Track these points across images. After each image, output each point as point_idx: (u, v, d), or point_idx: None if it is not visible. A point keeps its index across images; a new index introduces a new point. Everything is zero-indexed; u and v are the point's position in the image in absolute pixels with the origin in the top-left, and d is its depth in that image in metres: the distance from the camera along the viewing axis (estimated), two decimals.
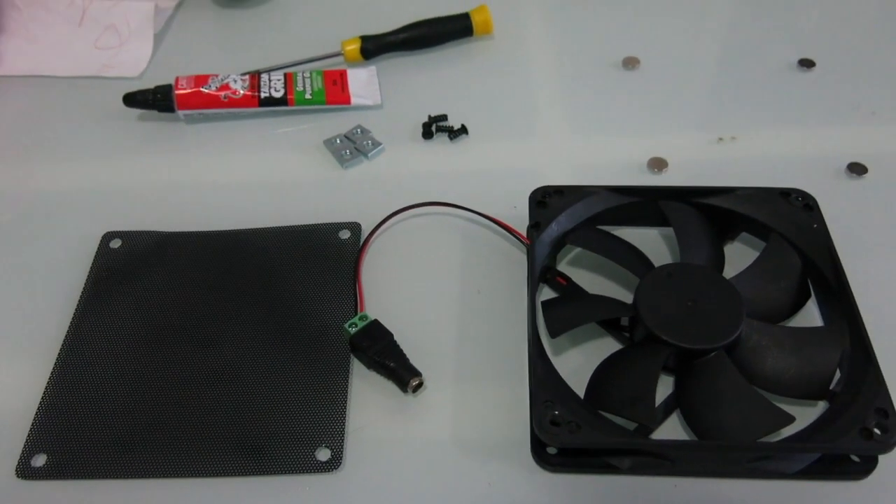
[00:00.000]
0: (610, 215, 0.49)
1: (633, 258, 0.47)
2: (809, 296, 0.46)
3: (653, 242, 0.50)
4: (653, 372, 0.41)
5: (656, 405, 0.41)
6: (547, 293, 0.48)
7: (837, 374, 0.42)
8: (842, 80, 0.62)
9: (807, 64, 0.64)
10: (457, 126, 0.59)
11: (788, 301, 0.45)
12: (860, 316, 0.42)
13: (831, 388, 0.41)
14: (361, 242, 0.51)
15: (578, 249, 0.50)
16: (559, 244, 0.48)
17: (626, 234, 0.50)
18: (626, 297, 0.45)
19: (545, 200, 0.48)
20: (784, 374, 0.41)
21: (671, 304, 0.42)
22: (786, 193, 0.48)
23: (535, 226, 0.47)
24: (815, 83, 0.62)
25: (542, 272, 0.47)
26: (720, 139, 0.58)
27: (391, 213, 0.52)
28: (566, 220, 0.48)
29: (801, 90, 0.62)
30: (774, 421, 0.39)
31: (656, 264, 0.46)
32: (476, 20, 0.66)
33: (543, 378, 0.40)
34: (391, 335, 0.45)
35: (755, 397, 0.40)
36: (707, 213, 0.48)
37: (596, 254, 0.48)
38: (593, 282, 0.49)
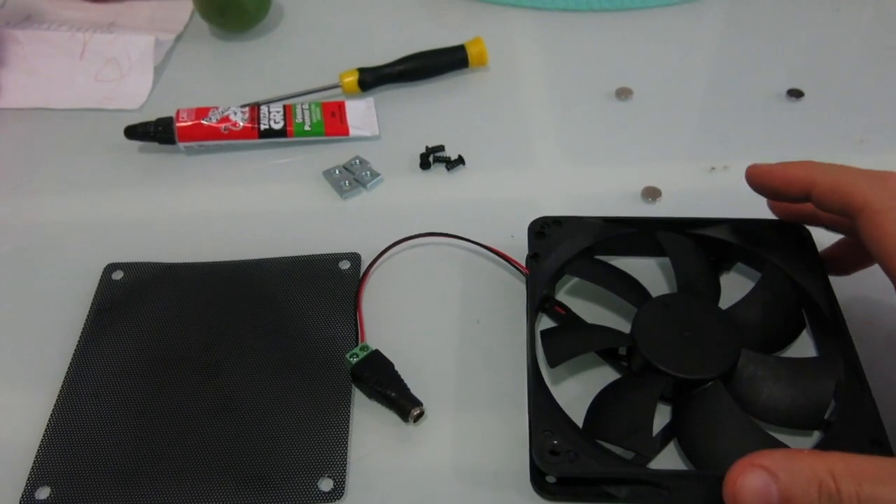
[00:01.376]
0: (608, 245, 0.50)
1: (629, 288, 0.47)
2: (804, 326, 0.47)
3: (650, 272, 0.51)
4: (650, 402, 0.41)
5: (654, 434, 0.41)
6: (546, 322, 0.49)
7: (832, 404, 0.42)
8: (830, 109, 0.64)
9: (795, 94, 0.65)
10: (454, 156, 0.60)
11: (784, 331, 0.46)
12: (854, 346, 0.43)
13: (825, 417, 0.42)
14: (362, 273, 0.52)
15: (577, 279, 0.50)
16: (558, 274, 0.48)
17: (623, 263, 0.50)
18: (624, 325, 0.46)
19: (544, 231, 0.49)
20: (779, 404, 0.42)
21: (668, 334, 0.43)
22: (779, 225, 0.49)
23: (534, 256, 0.48)
24: (805, 113, 0.64)
25: (540, 301, 0.48)
26: (712, 168, 0.59)
27: (391, 243, 0.53)
28: (564, 251, 0.48)
29: (790, 120, 0.63)
30: None
31: (654, 293, 0.46)
32: (472, 52, 0.67)
33: (542, 407, 0.41)
34: (392, 365, 0.46)
35: (750, 427, 0.41)
36: (702, 243, 0.49)
37: (594, 284, 0.48)
38: (591, 311, 0.49)
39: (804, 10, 0.74)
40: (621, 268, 0.49)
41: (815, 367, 0.43)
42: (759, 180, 0.45)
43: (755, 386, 0.42)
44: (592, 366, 0.47)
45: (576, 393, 0.45)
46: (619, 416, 0.41)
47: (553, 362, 0.43)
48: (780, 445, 0.40)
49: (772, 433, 0.41)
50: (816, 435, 0.43)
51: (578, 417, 0.42)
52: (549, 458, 0.38)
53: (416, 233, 0.53)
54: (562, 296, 0.51)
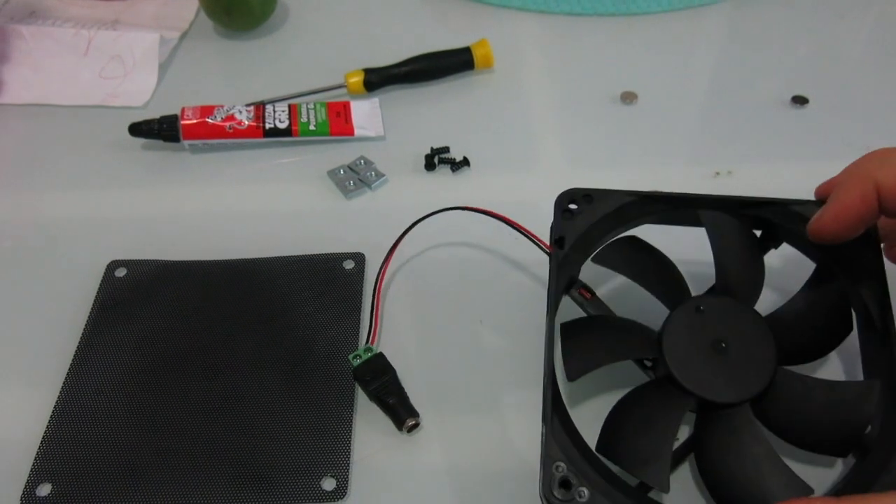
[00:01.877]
0: (641, 222, 0.46)
1: (663, 284, 0.44)
2: (851, 329, 0.43)
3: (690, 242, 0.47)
4: (670, 429, 0.39)
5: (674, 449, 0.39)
6: (568, 306, 0.46)
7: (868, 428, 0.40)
8: (835, 116, 0.64)
9: (800, 101, 0.65)
10: (459, 158, 0.60)
11: (828, 338, 0.43)
12: None
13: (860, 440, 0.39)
14: (376, 272, 0.51)
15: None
16: (584, 257, 0.45)
17: (658, 230, 0.47)
18: (656, 312, 0.43)
19: (570, 209, 0.44)
20: (813, 429, 0.39)
21: (699, 346, 0.40)
22: None
23: (559, 242, 0.43)
24: (809, 119, 0.64)
25: (565, 284, 0.45)
26: (717, 173, 0.59)
27: (406, 228, 0.51)
28: (594, 232, 0.44)
29: (795, 126, 0.63)
30: (792, 492, 0.37)
31: (691, 268, 0.43)
32: (477, 54, 0.67)
33: (556, 432, 0.37)
34: (394, 371, 0.46)
35: (773, 461, 0.38)
36: (749, 221, 0.45)
37: (625, 277, 0.45)
38: (621, 292, 0.48)
39: (808, 17, 0.74)
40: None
41: (854, 393, 0.40)
42: (822, 234, 0.40)
43: (788, 408, 0.40)
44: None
45: (592, 388, 0.45)
46: (634, 440, 0.39)
47: (571, 376, 0.40)
48: (801, 484, 0.37)
49: (802, 458, 0.39)
50: (849, 458, 0.41)
51: (594, 419, 0.40)
52: (558, 493, 0.35)
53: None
54: (589, 267, 0.46)
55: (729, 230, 0.44)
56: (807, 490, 0.37)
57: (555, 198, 0.45)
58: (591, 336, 0.43)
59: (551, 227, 0.45)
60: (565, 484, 0.35)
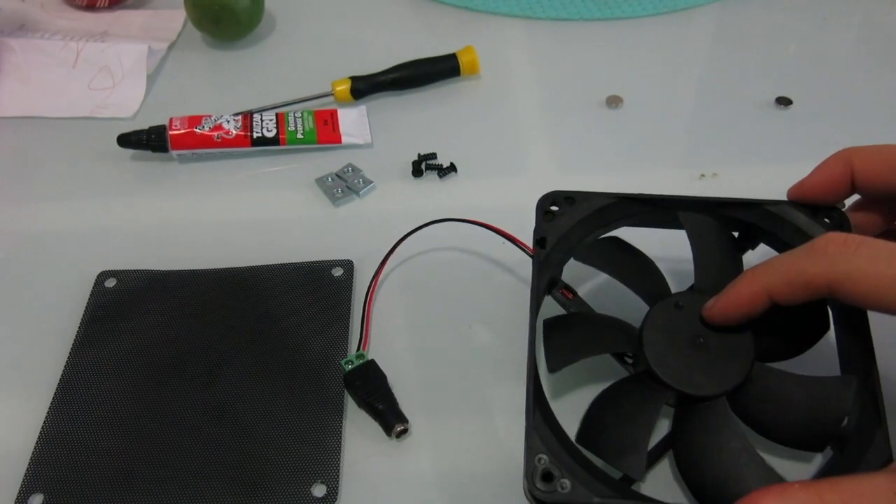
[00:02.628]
0: (623, 223, 0.47)
1: (643, 281, 0.45)
2: (828, 328, 0.43)
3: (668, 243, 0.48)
4: (648, 421, 0.39)
5: (651, 446, 0.40)
6: (551, 306, 0.47)
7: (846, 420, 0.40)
8: (819, 117, 0.64)
9: (784, 102, 0.65)
10: (446, 164, 0.60)
11: (806, 334, 0.43)
12: (874, 359, 0.40)
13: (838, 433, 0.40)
14: (369, 279, 0.51)
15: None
16: (566, 258, 0.46)
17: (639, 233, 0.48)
18: (638, 308, 0.44)
19: (552, 210, 0.45)
20: (790, 425, 0.40)
21: (678, 341, 0.41)
22: (815, 209, 0.45)
23: (541, 242, 0.44)
24: (793, 121, 0.64)
25: (547, 285, 0.45)
26: (702, 175, 0.60)
27: (397, 240, 0.52)
28: (575, 232, 0.45)
29: (779, 128, 0.64)
30: (768, 484, 0.36)
31: (671, 268, 0.44)
32: (463, 60, 0.67)
33: (538, 427, 0.38)
34: (384, 378, 0.46)
35: (750, 454, 0.39)
36: (726, 223, 0.46)
37: (606, 273, 0.46)
38: (603, 290, 0.49)
39: (793, 19, 0.75)
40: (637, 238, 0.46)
41: (831, 388, 0.40)
42: (800, 194, 0.44)
43: (765, 402, 0.40)
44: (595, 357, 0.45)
45: (574, 383, 0.45)
46: (613, 431, 0.39)
47: (552, 367, 0.41)
48: (776, 477, 0.38)
49: (779, 453, 0.40)
50: (827, 452, 0.41)
51: (575, 414, 0.41)
52: (541, 485, 0.36)
53: (408, 242, 0.53)
54: (573, 268, 0.47)
55: (707, 230, 0.45)
56: (640, 469, 0.38)
57: None
58: (571, 331, 0.44)
59: (534, 230, 0.46)
60: (547, 476, 0.36)
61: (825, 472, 0.40)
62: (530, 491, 0.36)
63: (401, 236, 0.53)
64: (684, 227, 0.45)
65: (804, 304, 0.39)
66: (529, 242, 0.47)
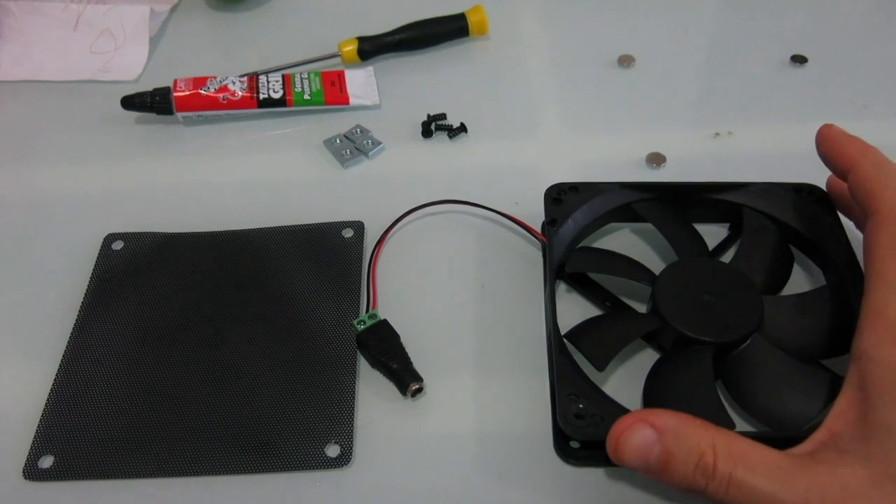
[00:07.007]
0: (625, 212, 0.49)
1: (636, 270, 0.46)
2: (793, 260, 0.47)
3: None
4: (709, 380, 0.40)
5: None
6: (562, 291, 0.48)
7: None
8: (834, 75, 0.63)
9: (799, 60, 0.64)
10: (456, 125, 0.59)
11: (781, 270, 0.46)
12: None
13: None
14: (375, 240, 0.51)
15: (596, 240, 0.50)
16: (575, 242, 0.48)
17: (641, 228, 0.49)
18: (637, 290, 0.46)
19: (560, 197, 0.48)
20: (809, 337, 0.42)
21: (692, 303, 0.42)
22: (798, 189, 0.48)
23: (552, 222, 0.47)
24: (808, 79, 0.63)
25: (557, 270, 0.46)
26: (717, 134, 0.58)
27: (404, 212, 0.52)
28: (582, 217, 0.48)
29: (794, 86, 0.63)
30: (829, 393, 0.39)
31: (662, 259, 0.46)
32: (472, 20, 0.66)
33: (566, 371, 0.40)
34: (398, 337, 0.45)
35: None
36: (719, 208, 0.49)
37: (599, 274, 0.47)
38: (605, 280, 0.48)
39: None
40: (640, 230, 0.49)
41: (825, 296, 0.44)
42: (822, 140, 0.43)
43: (786, 328, 0.42)
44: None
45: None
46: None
47: (600, 366, 0.41)
48: (726, 419, 0.39)
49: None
50: None
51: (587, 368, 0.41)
52: (574, 421, 0.37)
53: (422, 201, 0.52)
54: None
55: (664, 211, 0.48)
56: (730, 425, 0.38)
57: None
58: (599, 328, 0.44)
59: (545, 214, 0.48)
60: (580, 413, 0.38)
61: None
62: (564, 428, 0.37)
63: (410, 199, 0.53)
64: (644, 216, 0.48)
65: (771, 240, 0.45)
66: (540, 204, 0.48)
